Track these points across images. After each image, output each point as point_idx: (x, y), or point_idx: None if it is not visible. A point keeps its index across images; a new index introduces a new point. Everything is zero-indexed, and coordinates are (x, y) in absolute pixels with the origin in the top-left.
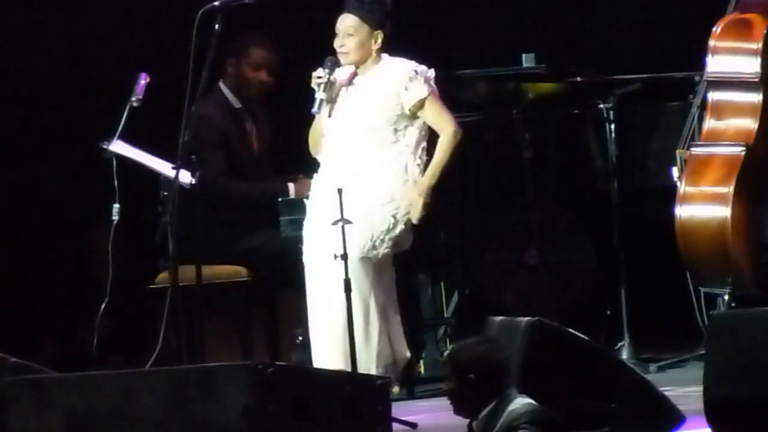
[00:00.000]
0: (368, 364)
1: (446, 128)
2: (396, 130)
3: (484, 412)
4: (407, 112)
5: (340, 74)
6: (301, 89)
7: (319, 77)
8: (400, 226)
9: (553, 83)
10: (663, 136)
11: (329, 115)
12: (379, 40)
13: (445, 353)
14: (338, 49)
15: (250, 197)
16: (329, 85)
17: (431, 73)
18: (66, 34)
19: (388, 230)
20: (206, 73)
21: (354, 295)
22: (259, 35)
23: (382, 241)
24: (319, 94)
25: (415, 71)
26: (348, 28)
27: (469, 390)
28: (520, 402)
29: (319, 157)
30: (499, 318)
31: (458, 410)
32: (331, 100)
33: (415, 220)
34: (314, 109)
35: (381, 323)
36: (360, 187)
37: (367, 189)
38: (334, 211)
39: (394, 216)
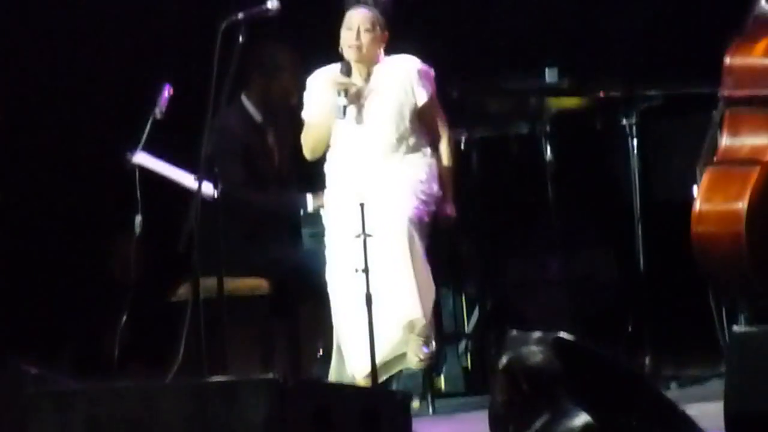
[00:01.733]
0: (427, 331)
1: (445, 132)
2: (412, 129)
3: (536, 425)
4: (418, 107)
5: (355, 79)
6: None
7: (342, 83)
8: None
9: (576, 97)
10: (686, 150)
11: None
12: (385, 41)
13: (500, 363)
14: (352, 43)
15: (269, 207)
16: (349, 90)
17: (432, 71)
18: (90, 45)
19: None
20: (229, 85)
21: (415, 256)
22: (291, 54)
23: (425, 203)
24: (341, 100)
25: (422, 67)
26: (365, 23)
27: (521, 401)
28: (579, 419)
29: (328, 166)
30: (520, 332)
31: (505, 423)
32: (353, 104)
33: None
34: (340, 116)
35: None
36: (389, 181)
37: (397, 180)
38: (358, 220)
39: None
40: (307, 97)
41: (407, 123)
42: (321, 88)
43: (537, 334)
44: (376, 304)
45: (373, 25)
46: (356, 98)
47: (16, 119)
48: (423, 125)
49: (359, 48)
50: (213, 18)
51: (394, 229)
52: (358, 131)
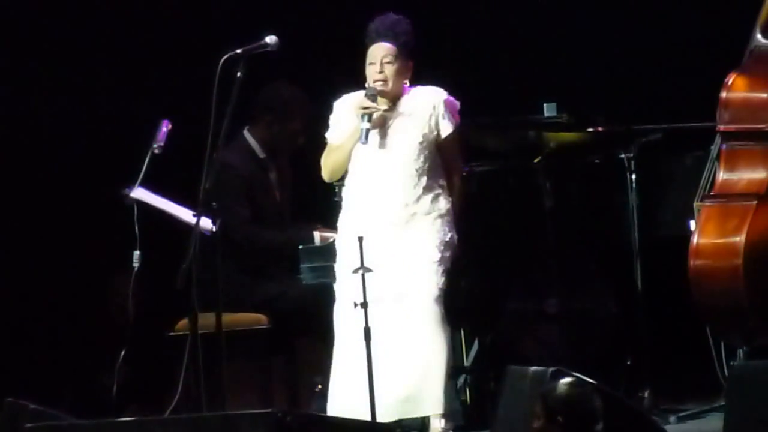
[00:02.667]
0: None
1: (459, 170)
2: (431, 162)
3: None
4: (441, 138)
5: (380, 106)
6: (322, 139)
7: (365, 108)
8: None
9: (575, 132)
10: (684, 185)
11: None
12: (410, 70)
13: (540, 390)
14: (376, 77)
15: (276, 245)
16: (372, 115)
17: (457, 103)
18: (88, 81)
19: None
20: (228, 120)
21: (437, 333)
22: (303, 97)
23: (444, 275)
24: (365, 125)
25: (450, 100)
26: (387, 55)
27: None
28: None
29: (344, 192)
30: (519, 367)
31: None
32: (376, 128)
33: None
34: (362, 140)
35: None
36: (403, 230)
37: (419, 227)
38: (375, 254)
39: (442, 264)
40: (333, 119)
41: (428, 154)
42: (347, 111)
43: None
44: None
45: (395, 57)
46: (380, 123)
47: (14, 154)
48: (442, 157)
49: (385, 81)
50: (212, 53)
51: (423, 315)
52: (379, 158)
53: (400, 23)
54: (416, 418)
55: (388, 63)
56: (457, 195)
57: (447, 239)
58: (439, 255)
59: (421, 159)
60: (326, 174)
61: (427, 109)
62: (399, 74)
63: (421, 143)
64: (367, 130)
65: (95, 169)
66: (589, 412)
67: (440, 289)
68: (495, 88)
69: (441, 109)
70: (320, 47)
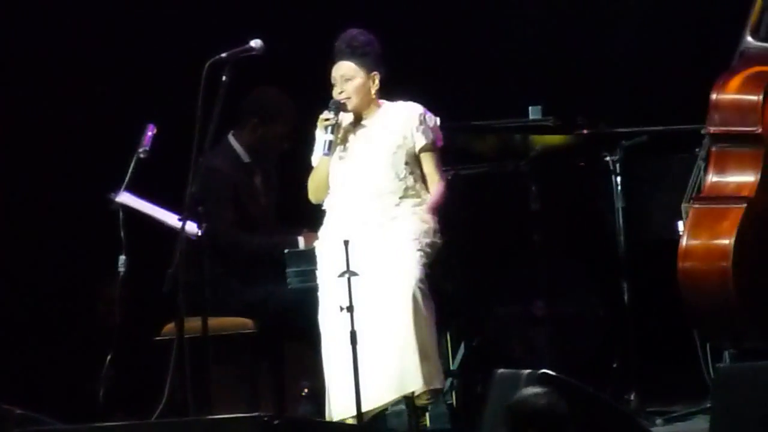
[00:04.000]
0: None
1: (439, 182)
2: (410, 171)
3: None
4: (416, 152)
5: (346, 118)
6: (308, 142)
7: (327, 119)
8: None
9: (560, 135)
10: (670, 188)
11: (331, 154)
12: (377, 82)
13: (506, 403)
14: (338, 97)
15: (262, 249)
16: (337, 127)
17: (437, 120)
18: (73, 86)
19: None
20: (214, 124)
21: (421, 317)
22: (290, 102)
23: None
24: (328, 136)
25: (425, 114)
26: (345, 73)
27: None
28: None
29: (326, 205)
30: (505, 370)
31: None
32: (336, 142)
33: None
34: (326, 152)
35: None
36: (385, 231)
37: (393, 232)
38: (353, 261)
39: (421, 250)
40: (316, 143)
41: (404, 167)
42: (319, 130)
43: (528, 373)
44: (372, 366)
45: (354, 72)
46: (342, 134)
47: None
48: (420, 170)
49: (348, 98)
50: (197, 57)
51: (400, 296)
52: (352, 172)
53: (356, 38)
54: (403, 419)
55: (348, 80)
56: (439, 194)
57: (426, 229)
58: (418, 241)
59: (398, 169)
60: (311, 195)
61: (401, 122)
62: (360, 88)
63: (395, 154)
64: (330, 142)
65: (81, 173)
66: (557, 420)
67: (419, 269)
68: (481, 91)
69: (415, 122)
70: (305, 51)
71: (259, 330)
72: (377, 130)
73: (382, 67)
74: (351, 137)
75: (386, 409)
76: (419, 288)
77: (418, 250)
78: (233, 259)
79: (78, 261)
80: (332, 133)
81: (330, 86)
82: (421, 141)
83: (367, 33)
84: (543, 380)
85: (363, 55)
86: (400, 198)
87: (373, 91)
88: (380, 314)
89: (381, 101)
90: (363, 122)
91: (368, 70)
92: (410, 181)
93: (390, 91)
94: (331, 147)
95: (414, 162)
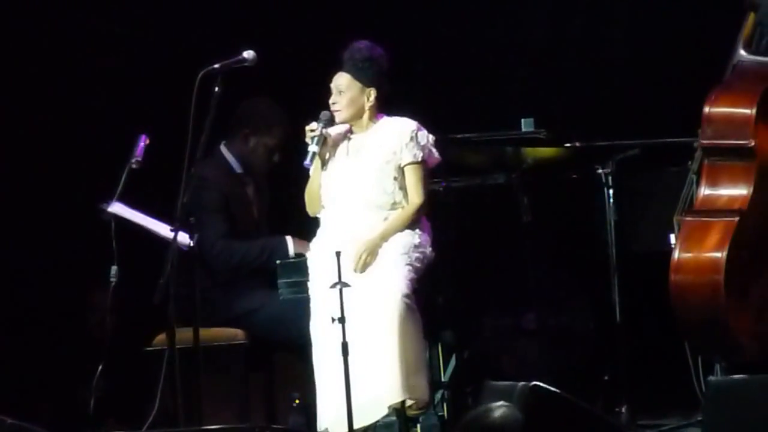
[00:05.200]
0: (424, 393)
1: (415, 200)
2: (399, 186)
3: None
4: (401, 166)
5: (335, 130)
6: (300, 151)
7: (312, 130)
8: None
9: (552, 148)
10: (662, 201)
11: (323, 168)
12: (372, 98)
13: (457, 424)
14: (331, 107)
15: (251, 255)
16: (322, 139)
17: (431, 138)
18: (65, 96)
19: (410, 277)
20: (206, 135)
21: (406, 330)
22: (280, 114)
23: (418, 270)
24: (312, 147)
25: (418, 131)
26: (340, 85)
27: None
28: None
29: (320, 216)
30: (496, 383)
31: None
32: (324, 154)
33: (358, 270)
34: (306, 162)
35: None
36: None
37: (391, 249)
38: (343, 273)
39: (409, 264)
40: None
41: (392, 181)
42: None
43: (511, 384)
44: (359, 378)
45: (347, 86)
46: (323, 147)
47: None
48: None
49: (338, 110)
50: (190, 68)
51: (386, 309)
52: (343, 185)
53: (359, 51)
54: (393, 431)
55: (341, 92)
56: (402, 218)
57: (416, 242)
58: (407, 255)
59: (386, 184)
60: (307, 207)
61: (392, 137)
62: (352, 102)
63: (383, 169)
64: (314, 153)
65: (73, 184)
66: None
67: (405, 284)
68: (473, 103)
69: (405, 138)
70: (298, 63)
71: (250, 341)
72: (369, 144)
73: (383, 83)
74: (343, 151)
75: (377, 421)
76: (405, 303)
77: (407, 264)
78: (224, 270)
79: (70, 271)
80: (317, 144)
81: (328, 95)
82: (407, 157)
83: (374, 47)
84: (534, 393)
85: (361, 69)
86: (388, 212)
87: (367, 107)
88: (368, 326)
89: (380, 115)
90: (356, 136)
91: (364, 84)
92: (399, 195)
93: (383, 103)
94: (313, 158)
95: (402, 177)
